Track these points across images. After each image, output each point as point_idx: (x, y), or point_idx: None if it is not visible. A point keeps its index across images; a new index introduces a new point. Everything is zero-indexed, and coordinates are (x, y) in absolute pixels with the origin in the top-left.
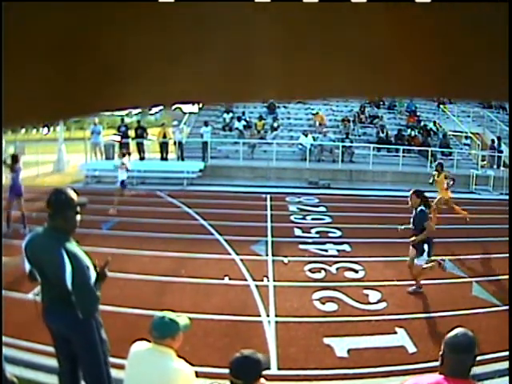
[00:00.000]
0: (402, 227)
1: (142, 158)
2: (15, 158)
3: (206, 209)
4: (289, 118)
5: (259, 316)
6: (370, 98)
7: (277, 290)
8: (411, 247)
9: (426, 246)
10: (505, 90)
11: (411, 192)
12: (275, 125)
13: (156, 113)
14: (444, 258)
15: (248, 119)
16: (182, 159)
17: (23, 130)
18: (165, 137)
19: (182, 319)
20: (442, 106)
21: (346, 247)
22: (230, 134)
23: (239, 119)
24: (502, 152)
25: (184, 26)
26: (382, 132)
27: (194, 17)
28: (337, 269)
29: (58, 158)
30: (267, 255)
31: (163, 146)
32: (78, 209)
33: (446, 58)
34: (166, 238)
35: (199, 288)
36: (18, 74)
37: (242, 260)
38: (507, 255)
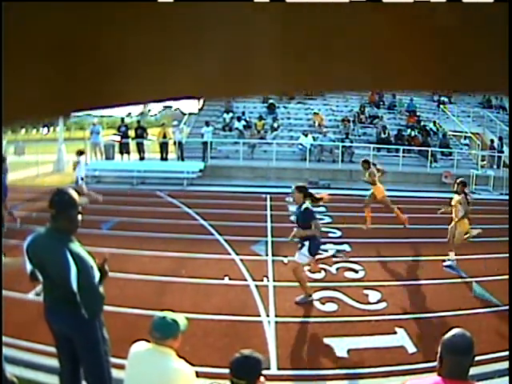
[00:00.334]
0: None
1: (141, 158)
2: (1, 159)
3: (205, 209)
4: (289, 118)
5: (259, 316)
6: (370, 96)
7: (277, 290)
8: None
9: (306, 242)
10: (505, 88)
11: (294, 187)
12: (275, 125)
13: (156, 113)
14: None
15: (248, 119)
16: (182, 159)
17: (23, 130)
18: (165, 137)
19: (180, 319)
20: (442, 106)
21: (345, 247)
22: (229, 134)
23: (239, 119)
24: (502, 152)
25: (184, 26)
26: (384, 133)
27: (193, 16)
28: (337, 269)
29: (57, 158)
30: (267, 255)
31: (163, 146)
32: (80, 209)
33: (445, 57)
34: (166, 238)
35: (199, 288)
36: (17, 73)
37: (241, 260)
38: (507, 255)
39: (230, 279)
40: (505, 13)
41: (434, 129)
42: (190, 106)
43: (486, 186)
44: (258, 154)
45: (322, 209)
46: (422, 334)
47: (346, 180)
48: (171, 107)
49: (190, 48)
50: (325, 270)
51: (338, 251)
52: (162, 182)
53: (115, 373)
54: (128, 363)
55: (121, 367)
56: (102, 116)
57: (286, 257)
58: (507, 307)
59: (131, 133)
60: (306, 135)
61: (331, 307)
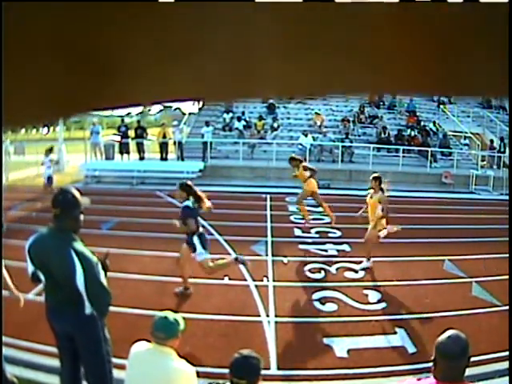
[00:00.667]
0: None
1: (141, 158)
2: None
3: None
4: (289, 118)
5: (259, 316)
6: (370, 96)
7: (276, 290)
8: (184, 244)
9: (195, 240)
10: (505, 89)
11: (178, 184)
12: (275, 125)
13: (156, 113)
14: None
15: (248, 119)
16: (182, 159)
17: (23, 130)
18: (165, 137)
19: (179, 318)
20: (441, 106)
21: (345, 247)
22: (229, 134)
23: (239, 119)
24: (504, 153)
25: (184, 26)
26: (384, 133)
27: (194, 17)
28: (337, 269)
29: (57, 157)
30: (267, 255)
31: (163, 146)
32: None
33: (445, 59)
34: (166, 238)
35: (199, 288)
36: (17, 74)
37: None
38: (507, 255)
39: (229, 279)
40: (505, 13)
41: (434, 129)
42: (190, 106)
43: (486, 186)
44: (257, 154)
45: (322, 209)
46: (422, 334)
47: (346, 180)
48: (171, 107)
49: (191, 49)
50: (325, 270)
51: (240, 255)
52: (161, 182)
53: (115, 373)
54: (129, 363)
55: (121, 367)
56: (102, 116)
57: (285, 257)
58: (507, 307)
59: (131, 133)
60: (306, 135)
61: (331, 307)
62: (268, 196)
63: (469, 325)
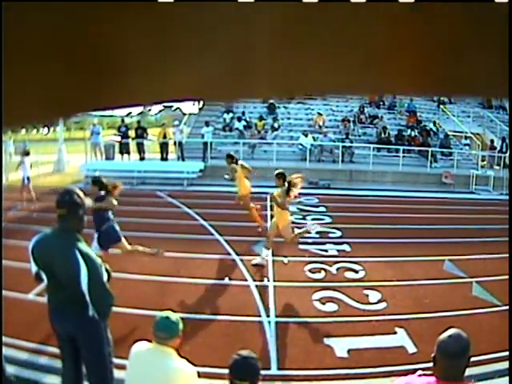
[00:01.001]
0: None
1: (142, 159)
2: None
3: (206, 209)
4: (289, 118)
5: (259, 316)
6: (370, 95)
7: (277, 291)
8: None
9: (96, 235)
10: (505, 89)
11: (91, 180)
12: (275, 125)
13: (157, 114)
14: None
15: (248, 119)
16: (183, 159)
17: (23, 131)
18: (165, 137)
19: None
20: (442, 106)
21: (345, 247)
22: (230, 135)
23: (239, 119)
24: (505, 153)
25: (184, 26)
26: (384, 133)
27: (194, 16)
28: (337, 269)
29: (58, 158)
30: (267, 255)
31: (163, 147)
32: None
33: (445, 59)
34: (166, 238)
35: (199, 288)
36: (17, 74)
37: (242, 260)
38: (507, 255)
39: (230, 279)
40: (505, 13)
41: (434, 129)
42: (190, 106)
43: (486, 186)
44: (258, 154)
45: (322, 209)
46: (422, 334)
47: (346, 180)
48: (171, 107)
49: (190, 48)
50: (325, 269)
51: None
52: (162, 182)
53: (115, 373)
54: (129, 363)
55: (121, 367)
56: (102, 116)
57: (285, 257)
58: (507, 307)
59: (131, 133)
60: (306, 135)
61: (331, 307)
62: (268, 196)
63: (469, 325)
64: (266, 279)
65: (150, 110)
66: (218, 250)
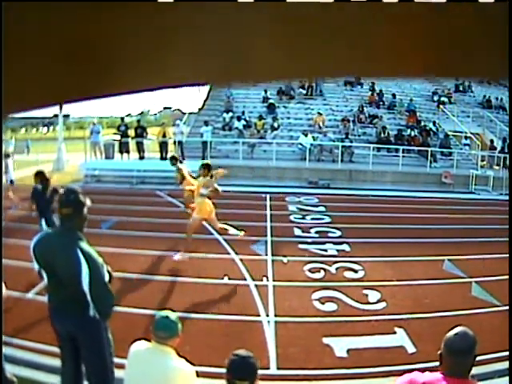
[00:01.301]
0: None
1: (141, 158)
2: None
3: None
4: (288, 118)
5: (259, 316)
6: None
7: (276, 290)
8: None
9: (43, 221)
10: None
11: (35, 173)
12: (275, 124)
13: (156, 113)
14: None
15: (248, 119)
16: (183, 159)
17: (23, 130)
18: (164, 136)
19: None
20: (441, 106)
21: (345, 247)
22: (229, 134)
23: (239, 119)
24: (506, 153)
25: (184, 25)
26: (384, 133)
27: (193, 13)
28: (336, 269)
29: (57, 157)
30: (267, 255)
31: (163, 146)
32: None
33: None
34: (166, 238)
35: (198, 287)
36: (17, 74)
37: (241, 260)
38: (507, 255)
39: (229, 279)
40: (505, 13)
41: (434, 129)
42: (190, 105)
43: (486, 186)
44: (257, 154)
45: (322, 208)
46: (422, 333)
47: (346, 180)
48: (171, 107)
49: (188, 34)
50: (324, 269)
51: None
52: (161, 181)
53: (115, 372)
54: (128, 362)
55: (120, 367)
56: (101, 117)
57: (285, 256)
58: (507, 307)
59: (131, 132)
60: (306, 135)
61: (331, 307)
62: (268, 196)
63: (469, 325)
64: (265, 278)
65: (149, 110)
66: (217, 249)
